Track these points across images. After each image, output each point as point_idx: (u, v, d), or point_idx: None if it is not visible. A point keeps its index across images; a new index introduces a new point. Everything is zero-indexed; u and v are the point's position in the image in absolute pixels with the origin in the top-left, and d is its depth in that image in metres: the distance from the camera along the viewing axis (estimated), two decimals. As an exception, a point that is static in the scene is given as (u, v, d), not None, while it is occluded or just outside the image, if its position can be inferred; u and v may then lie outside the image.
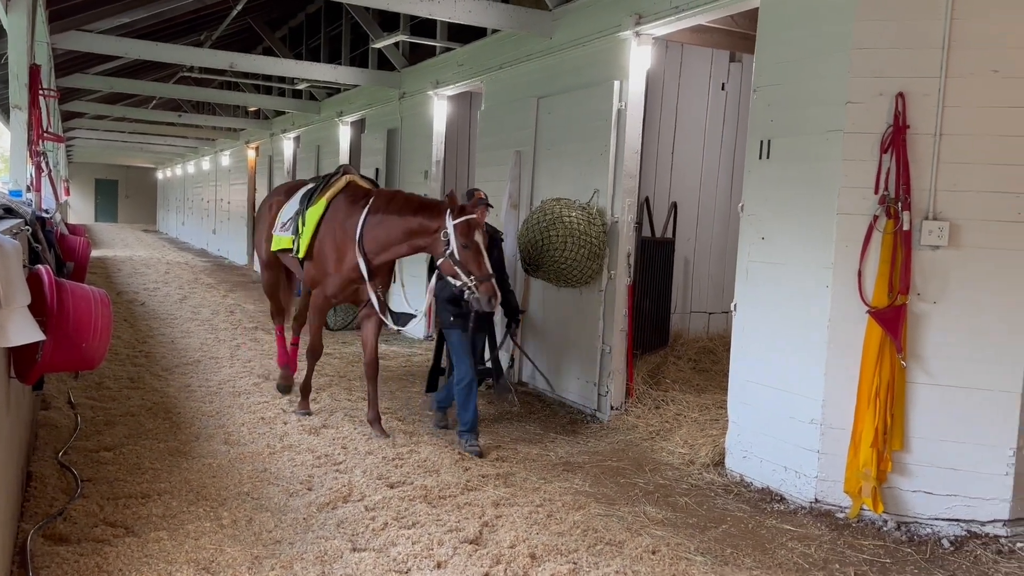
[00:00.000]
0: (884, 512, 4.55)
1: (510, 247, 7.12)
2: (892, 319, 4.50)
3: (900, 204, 4.48)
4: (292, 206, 6.43)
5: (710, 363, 7.75)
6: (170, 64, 13.09)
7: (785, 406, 4.97)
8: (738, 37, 7.13)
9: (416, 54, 10.70)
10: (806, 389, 4.83)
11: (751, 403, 5.24)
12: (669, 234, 7.77)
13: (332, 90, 13.78)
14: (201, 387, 6.99)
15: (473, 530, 4.03)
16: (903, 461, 4.58)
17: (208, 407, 6.32)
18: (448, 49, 9.61)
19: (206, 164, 26.58)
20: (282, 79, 14.43)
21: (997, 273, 4.45)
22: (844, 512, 4.65)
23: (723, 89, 8.10)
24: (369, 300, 5.77)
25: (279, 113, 17.09)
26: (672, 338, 7.95)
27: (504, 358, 7.55)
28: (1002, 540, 4.39)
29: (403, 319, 5.83)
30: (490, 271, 5.21)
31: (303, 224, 6.06)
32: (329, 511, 4.27)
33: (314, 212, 6.01)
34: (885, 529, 4.49)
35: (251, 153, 20.40)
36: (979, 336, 4.48)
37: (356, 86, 12.17)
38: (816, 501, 4.75)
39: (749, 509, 4.77)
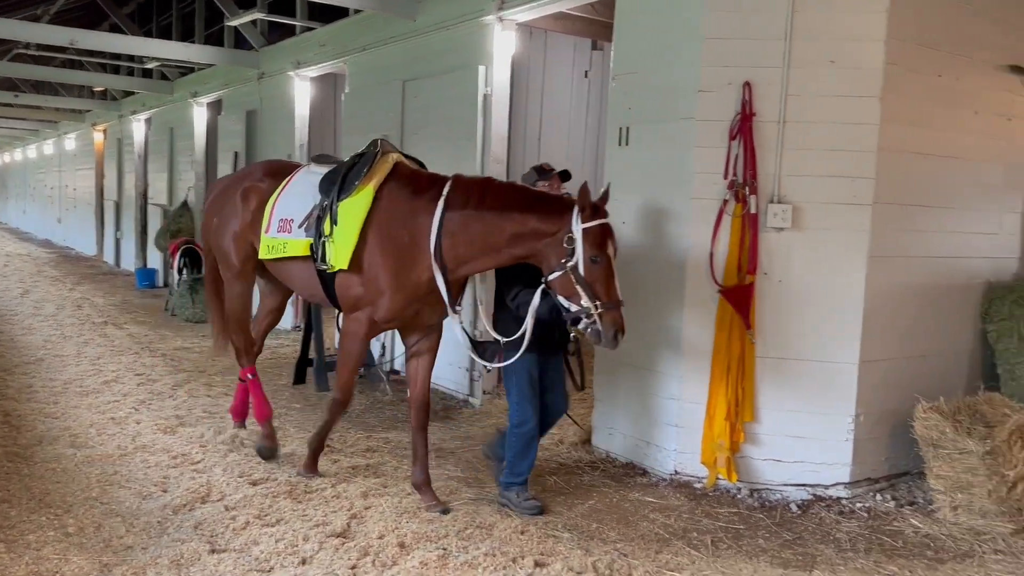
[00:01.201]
0: (738, 481, 4.80)
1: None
2: (741, 297, 4.73)
3: (747, 188, 4.71)
4: (301, 196, 4.60)
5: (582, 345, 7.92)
6: (3, 40, 12.03)
7: (647, 384, 5.15)
8: (599, 25, 7.28)
9: (276, 33, 10.31)
10: (666, 367, 5.02)
11: (616, 382, 5.39)
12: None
13: (186, 69, 13.08)
14: (44, 387, 6.51)
15: (341, 523, 3.95)
16: (754, 432, 4.85)
17: (52, 408, 5.90)
18: (309, 29, 9.31)
19: (48, 148, 24.68)
20: (131, 58, 13.56)
21: (836, 252, 4.76)
22: (701, 482, 4.88)
23: (586, 76, 8.25)
24: (431, 327, 4.49)
25: (128, 93, 16.06)
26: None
27: (375, 347, 7.44)
28: (844, 501, 4.73)
29: (489, 351, 4.41)
30: (620, 296, 3.98)
31: (336, 222, 4.32)
32: (186, 513, 4.08)
33: (357, 205, 4.27)
34: (739, 496, 4.75)
35: (98, 136, 19.08)
36: (821, 312, 4.78)
37: (211, 65, 11.60)
38: (676, 473, 4.96)
39: (614, 484, 4.92)
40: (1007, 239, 5.64)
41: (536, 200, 4.14)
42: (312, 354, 6.96)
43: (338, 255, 4.31)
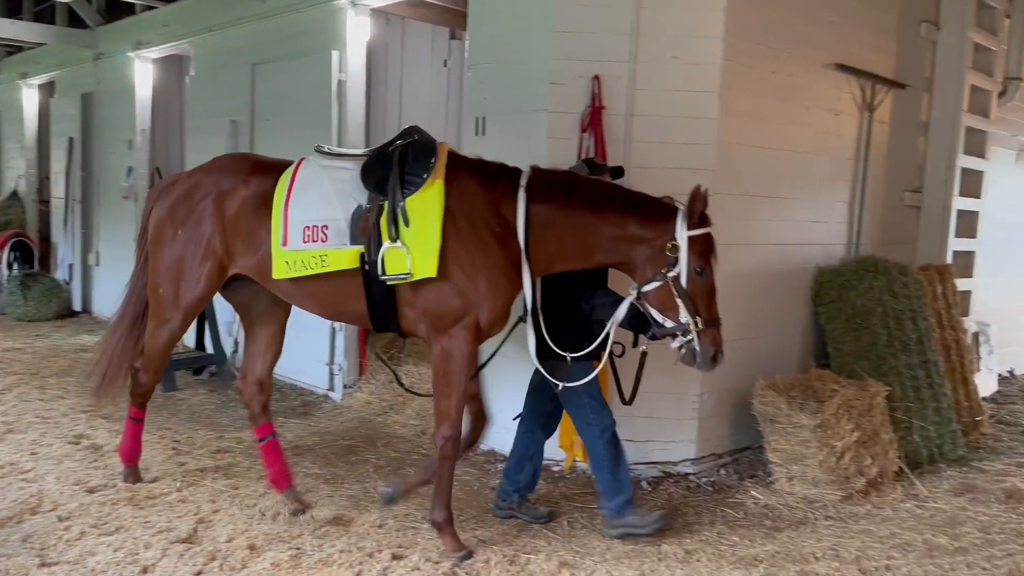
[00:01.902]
0: (594, 462, 4.95)
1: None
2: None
3: (603, 179, 4.83)
4: (327, 196, 3.77)
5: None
6: None
7: (507, 372, 5.19)
8: (456, 14, 7.24)
9: (115, 12, 9.64)
10: (526, 355, 5.07)
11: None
12: (396, 209, 7.76)
13: (13, 48, 12.01)
14: None
15: (186, 528, 3.77)
16: (609, 414, 4.99)
17: None
18: (150, 8, 8.77)
19: None
20: (-53, 32, 12.30)
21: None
22: (560, 466, 4.99)
23: (445, 66, 8.21)
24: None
25: (-54, 72, 14.60)
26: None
27: (228, 343, 7.15)
28: (691, 477, 4.97)
29: (558, 370, 3.90)
30: (719, 313, 3.64)
31: (408, 223, 3.59)
32: (13, 526, 3.77)
33: (431, 202, 3.61)
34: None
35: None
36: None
37: (42, 44, 10.72)
38: (535, 459, 5.04)
39: (476, 472, 4.95)
40: (836, 227, 6.08)
41: (635, 201, 3.71)
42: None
43: (422, 262, 3.56)
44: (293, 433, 5.56)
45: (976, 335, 7.24)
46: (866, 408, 4.92)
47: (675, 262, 3.54)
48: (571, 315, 3.87)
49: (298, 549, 3.62)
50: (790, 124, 5.45)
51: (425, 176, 3.65)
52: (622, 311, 3.69)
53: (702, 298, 3.56)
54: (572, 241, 3.67)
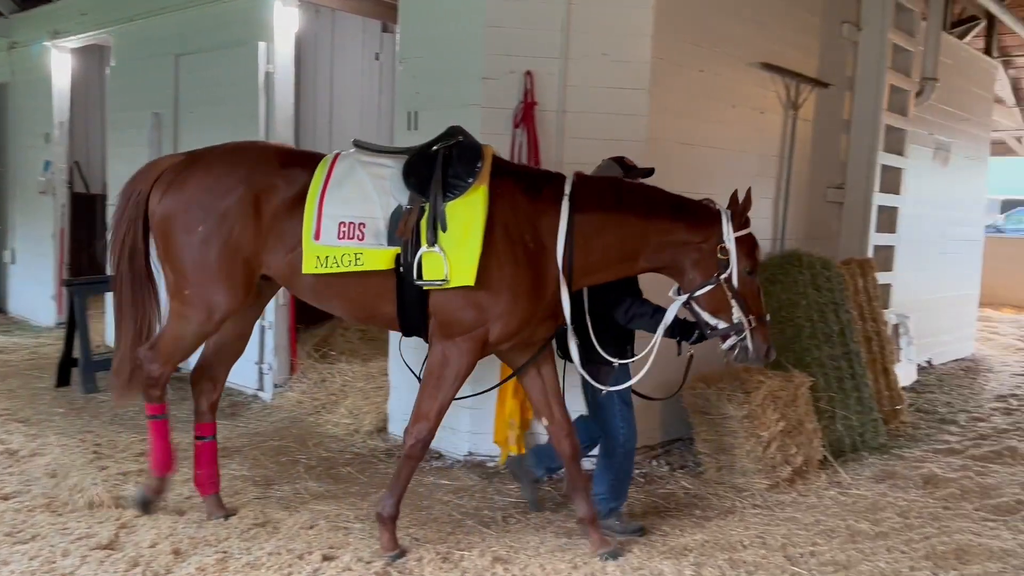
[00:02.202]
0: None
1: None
2: (529, 280, 4.87)
3: (533, 174, 4.84)
4: (366, 193, 3.61)
5: (379, 331, 7.82)
6: None
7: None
8: (387, 7, 7.16)
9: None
10: (458, 350, 5.06)
11: (411, 366, 5.35)
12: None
13: (-82, 34, 11.40)
14: None
15: (107, 535, 3.64)
16: (543, 409, 5.01)
17: None
18: (67, -5, 8.43)
19: None
20: None
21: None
22: (495, 461, 4.99)
23: (377, 59, 8.13)
24: (544, 344, 3.84)
25: None
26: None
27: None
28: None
29: (603, 374, 3.87)
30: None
31: (444, 228, 3.48)
32: (-82, 538, 3.58)
33: (474, 208, 3.49)
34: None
35: None
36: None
37: (-49, 32, 10.20)
38: (470, 454, 5.04)
39: (409, 471, 4.90)
40: (761, 223, 6.17)
41: (681, 205, 3.68)
42: (77, 353, 6.36)
43: (460, 270, 3.44)
44: (221, 434, 5.35)
45: (896, 327, 7.51)
46: (791, 399, 5.05)
47: (726, 264, 3.55)
48: (607, 323, 3.84)
49: (225, 553, 3.52)
50: (717, 122, 5.56)
51: (470, 180, 3.53)
52: (671, 316, 3.69)
53: (752, 297, 3.61)
54: (618, 249, 3.62)
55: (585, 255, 3.58)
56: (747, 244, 3.60)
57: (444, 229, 3.47)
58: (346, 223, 3.56)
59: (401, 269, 3.52)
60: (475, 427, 5.01)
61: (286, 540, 3.70)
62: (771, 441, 4.84)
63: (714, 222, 3.61)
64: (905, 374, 7.39)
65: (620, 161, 4.06)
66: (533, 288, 3.56)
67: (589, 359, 3.77)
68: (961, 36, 9.74)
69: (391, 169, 3.67)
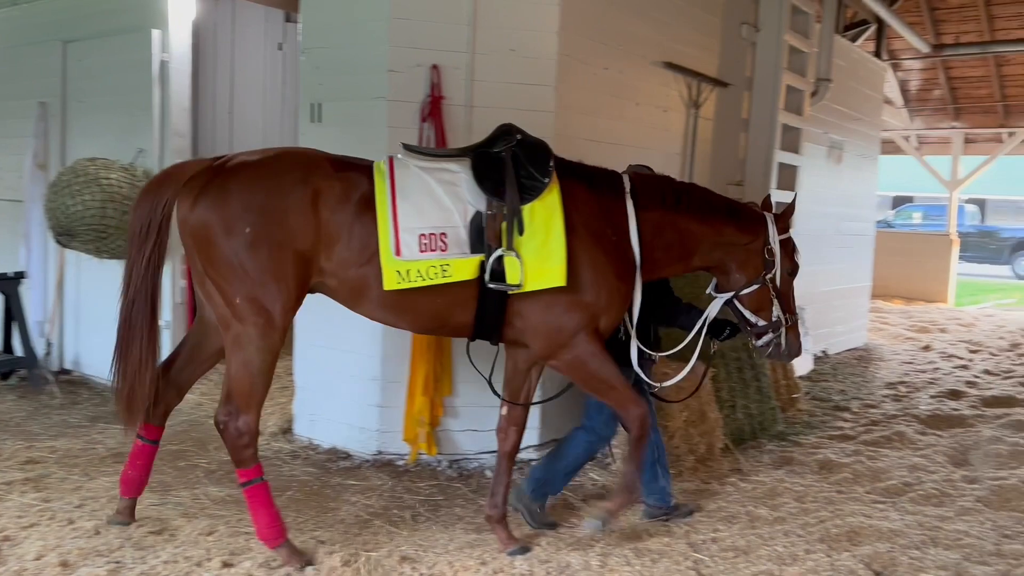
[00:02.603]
0: (439, 454, 4.94)
1: (39, 214, 6.16)
2: (437, 276, 4.83)
3: (439, 169, 4.80)
4: (439, 201, 3.46)
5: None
6: None
7: (349, 366, 5.08)
8: (290, -4, 6.99)
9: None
10: (367, 348, 4.99)
11: (317, 367, 5.26)
12: (231, 199, 7.41)
13: None
14: None
15: (-13, 548, 3.42)
16: (452, 405, 5.00)
17: None
18: (-59, -26, 7.86)
19: None
20: None
21: (521, 231, 5.03)
22: (404, 459, 4.94)
23: (281, 49, 7.89)
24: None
25: None
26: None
27: (40, 344, 6.57)
28: (533, 462, 5.04)
29: (646, 368, 3.95)
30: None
31: (521, 231, 3.43)
32: None
33: (552, 208, 3.47)
34: (440, 469, 4.88)
35: None
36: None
37: None
38: (379, 453, 4.97)
39: (316, 471, 4.81)
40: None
41: (732, 208, 3.87)
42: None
43: (548, 272, 3.41)
44: (115, 440, 5.17)
45: (793, 318, 7.80)
46: (694, 388, 5.17)
47: (771, 265, 3.78)
48: (645, 322, 3.89)
49: (117, 563, 3.36)
50: (622, 119, 5.64)
51: (546, 180, 3.51)
52: (714, 313, 3.89)
53: (789, 296, 3.84)
54: (677, 248, 3.74)
55: (651, 251, 3.66)
56: (789, 247, 3.87)
57: (521, 232, 3.43)
58: (426, 235, 3.40)
59: (486, 277, 3.43)
60: (384, 426, 4.95)
61: (184, 547, 3.56)
62: (675, 432, 4.95)
63: (761, 225, 3.83)
64: (802, 364, 7.69)
65: (645, 169, 4.13)
66: (627, 275, 3.62)
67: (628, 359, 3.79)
68: (853, 39, 10.20)
69: (460, 174, 3.55)
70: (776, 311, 3.82)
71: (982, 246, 23.28)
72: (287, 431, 5.41)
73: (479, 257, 3.44)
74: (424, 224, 3.41)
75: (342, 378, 5.11)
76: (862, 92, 9.74)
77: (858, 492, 4.61)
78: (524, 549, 3.69)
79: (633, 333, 3.72)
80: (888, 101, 14.35)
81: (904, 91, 15.77)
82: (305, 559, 3.46)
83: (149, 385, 3.52)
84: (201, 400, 5.97)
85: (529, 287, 3.42)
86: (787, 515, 4.23)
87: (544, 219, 3.46)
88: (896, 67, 14.93)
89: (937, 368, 8.65)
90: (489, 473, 4.83)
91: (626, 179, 3.75)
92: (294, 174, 3.43)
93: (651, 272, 3.72)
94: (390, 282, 3.37)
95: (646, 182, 3.80)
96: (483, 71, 4.87)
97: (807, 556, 3.63)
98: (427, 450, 4.88)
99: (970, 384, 7.73)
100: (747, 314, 3.86)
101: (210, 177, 3.42)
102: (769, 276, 3.79)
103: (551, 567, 3.52)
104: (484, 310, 3.51)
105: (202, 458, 4.93)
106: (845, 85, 8.85)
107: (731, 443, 5.35)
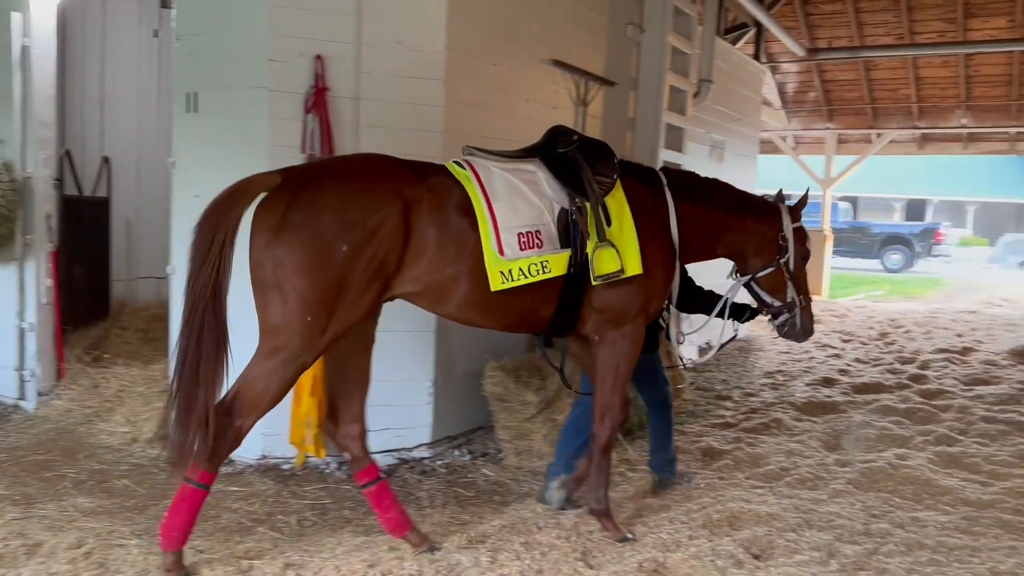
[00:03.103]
0: (327, 456, 4.81)
1: None
2: (324, 273, 4.71)
3: (325, 163, 4.68)
4: (526, 200, 3.56)
5: (162, 331, 7.25)
6: None
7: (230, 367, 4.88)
8: (166, -19, 6.67)
9: None
10: (249, 348, 4.78)
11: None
12: (103, 192, 7.01)
13: None
14: None
15: None
16: (341, 405, 4.87)
17: None
18: None
19: None
20: None
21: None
22: (290, 463, 4.79)
23: (156, 36, 7.51)
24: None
25: None
26: (115, 308, 7.24)
27: None
28: (426, 461, 5.01)
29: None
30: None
31: (609, 223, 3.66)
32: None
33: (620, 202, 3.75)
34: (328, 471, 4.76)
35: None
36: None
37: None
38: (263, 457, 4.81)
39: (196, 478, 4.59)
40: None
41: (750, 199, 4.29)
42: None
43: (632, 260, 3.70)
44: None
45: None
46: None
47: (785, 251, 4.15)
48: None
49: (-30, 586, 3.11)
50: (512, 116, 5.65)
51: (615, 176, 3.78)
52: (734, 295, 4.31)
53: (802, 280, 4.22)
54: (708, 236, 4.12)
55: (686, 241, 4.01)
56: (801, 234, 4.23)
57: (609, 224, 3.67)
58: (524, 233, 3.52)
59: (571, 270, 3.61)
60: (269, 428, 4.76)
61: (48, 563, 3.33)
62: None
63: (775, 214, 4.20)
64: (686, 355, 7.94)
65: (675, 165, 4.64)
66: (671, 262, 3.96)
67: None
68: (734, 42, 10.61)
69: (537, 173, 3.71)
70: (791, 293, 4.20)
71: (854, 241, 24.76)
72: (165, 437, 5.14)
73: (568, 252, 3.61)
74: (520, 223, 3.53)
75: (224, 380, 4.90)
76: (742, 93, 10.13)
77: (738, 478, 4.79)
78: (630, 536, 3.83)
79: (674, 313, 4.22)
80: (766, 102, 15.01)
81: (781, 93, 16.53)
82: (183, 571, 3.30)
83: (209, 426, 3.17)
84: (70, 407, 5.62)
85: (628, 274, 3.68)
86: (672, 502, 4.34)
87: (616, 213, 3.73)
88: (774, 70, 15.64)
89: (812, 357, 9.11)
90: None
91: (662, 175, 4.07)
92: (385, 187, 3.37)
93: (685, 259, 4.07)
94: (496, 283, 3.44)
95: (678, 177, 4.16)
96: (370, 63, 4.78)
97: (690, 542, 3.73)
98: (315, 453, 4.75)
99: (842, 372, 8.18)
100: (764, 296, 4.25)
101: (295, 193, 3.26)
102: (783, 260, 4.17)
103: (440, 566, 3.48)
104: (565, 303, 3.68)
105: (70, 468, 4.64)
106: (726, 86, 9.18)
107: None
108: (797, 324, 4.26)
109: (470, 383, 5.26)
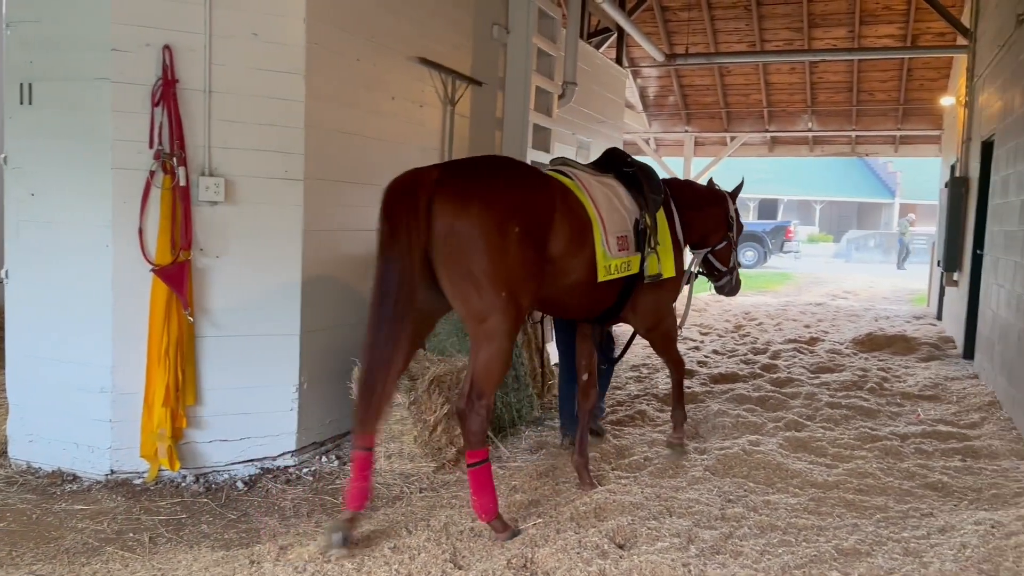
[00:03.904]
0: (182, 468, 4.57)
1: None
2: (176, 276, 4.47)
3: (176, 160, 4.44)
4: (617, 208, 4.35)
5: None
6: None
7: (73, 379, 4.56)
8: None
9: None
10: (94, 357, 4.50)
11: (35, 381, 4.66)
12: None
13: None
14: None
15: None
16: (198, 415, 4.65)
17: None
18: None
19: None
20: None
21: (272, 227, 4.79)
22: (142, 478, 4.52)
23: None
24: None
25: None
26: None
27: None
28: (291, 470, 4.84)
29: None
30: None
31: (654, 233, 4.59)
32: None
33: (662, 217, 4.76)
34: (184, 485, 4.52)
35: None
36: (260, 286, 4.78)
37: None
38: (112, 473, 4.51)
39: (36, 498, 4.26)
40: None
41: (711, 192, 5.53)
42: None
43: (669, 265, 4.69)
44: None
45: (549, 309, 8.17)
46: (455, 382, 5.23)
47: (731, 227, 5.47)
48: None
49: None
50: (378, 113, 5.56)
51: (661, 196, 4.73)
52: (696, 263, 5.55)
53: (735, 249, 5.61)
54: (693, 232, 5.24)
55: (688, 238, 5.22)
56: (738, 213, 5.59)
57: (655, 233, 4.56)
58: (619, 236, 4.28)
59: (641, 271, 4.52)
60: (118, 442, 4.49)
61: None
62: (437, 425, 4.98)
63: (724, 200, 5.47)
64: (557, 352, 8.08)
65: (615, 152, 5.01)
66: (683, 259, 5.06)
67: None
68: (597, 46, 10.86)
69: (618, 188, 4.51)
70: (734, 259, 5.54)
71: (712, 239, 25.98)
72: (1, 454, 4.75)
73: (639, 255, 4.45)
74: (616, 228, 4.26)
75: (66, 392, 4.57)
76: (606, 96, 10.40)
77: (605, 469, 4.91)
78: (598, 484, 4.56)
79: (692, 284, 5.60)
80: (629, 105, 15.51)
81: (643, 97, 17.14)
82: (512, 531, 3.83)
83: (389, 395, 3.67)
84: None
85: (665, 276, 4.65)
86: (541, 497, 4.40)
87: (661, 224, 4.68)
88: (635, 74, 16.19)
89: (675, 350, 9.46)
90: (241, 484, 4.57)
91: (665, 185, 4.91)
92: (536, 179, 3.95)
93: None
94: (602, 275, 4.17)
95: (671, 186, 5.13)
96: (223, 55, 4.56)
97: (558, 536, 3.79)
98: (169, 466, 4.49)
99: (701, 364, 8.55)
100: (718, 264, 5.52)
101: (468, 182, 3.71)
102: (732, 235, 5.48)
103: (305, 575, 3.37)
104: (622, 297, 4.52)
105: None
106: (590, 89, 9.40)
107: (491, 432, 5.48)
108: (733, 283, 5.60)
109: (339, 386, 5.14)
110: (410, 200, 3.57)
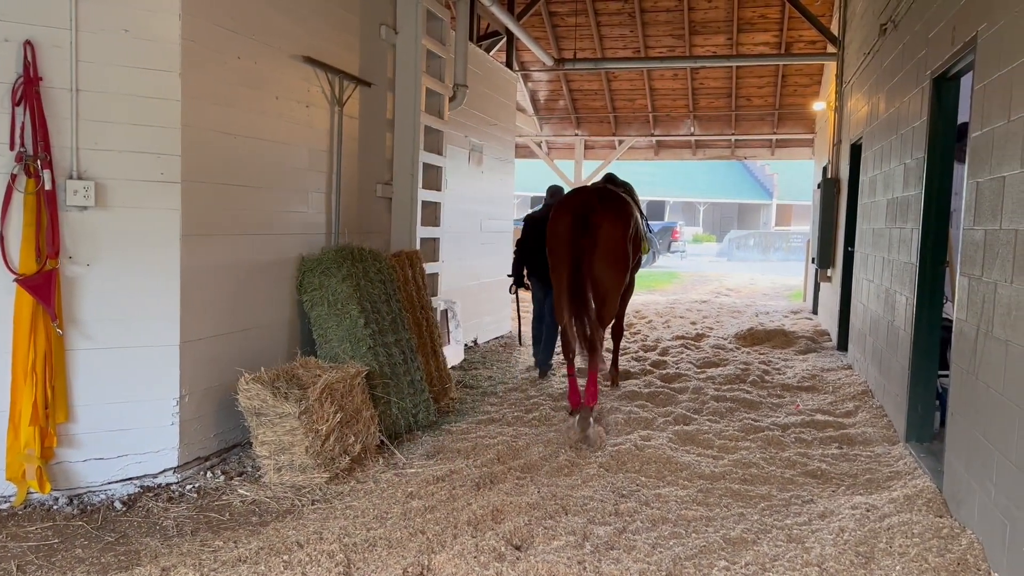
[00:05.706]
0: (54, 490, 4.28)
1: None
2: (43, 286, 4.19)
3: (40, 162, 4.16)
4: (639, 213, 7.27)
5: None
6: None
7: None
8: None
9: None
10: None
11: None
12: None
13: None
14: None
15: None
16: (70, 433, 4.37)
17: None
18: None
19: None
20: None
21: (147, 232, 4.55)
22: (9, 501, 4.20)
23: None
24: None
25: None
26: None
27: None
28: (173, 487, 4.61)
29: None
30: None
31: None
32: None
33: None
34: (56, 507, 4.23)
35: None
36: (135, 295, 4.53)
37: None
38: (-27, 500, 4.17)
39: None
40: (315, 216, 6.21)
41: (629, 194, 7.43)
42: None
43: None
44: None
45: (445, 312, 8.15)
46: (348, 389, 5.13)
47: (645, 219, 7.80)
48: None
49: None
50: (261, 113, 5.38)
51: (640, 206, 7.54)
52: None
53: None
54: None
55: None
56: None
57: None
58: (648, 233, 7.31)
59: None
60: (-21, 465, 4.16)
61: None
62: (329, 434, 4.85)
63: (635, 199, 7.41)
64: (454, 354, 8.06)
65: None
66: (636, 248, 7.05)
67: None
68: (487, 49, 10.91)
69: (630, 199, 6.95)
70: (647, 245, 7.43)
71: (604, 240, 26.53)
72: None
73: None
74: (645, 227, 7.36)
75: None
76: (497, 99, 10.45)
77: (501, 471, 4.91)
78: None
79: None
80: (521, 109, 15.65)
81: (534, 101, 17.33)
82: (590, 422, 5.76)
83: (596, 327, 5.89)
84: None
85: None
86: (438, 503, 4.35)
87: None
88: (526, 78, 16.35)
89: (569, 350, 9.60)
90: (119, 504, 4.32)
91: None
92: (630, 205, 6.67)
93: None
94: (645, 253, 7.13)
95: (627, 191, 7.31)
96: (92, 51, 4.31)
97: (455, 541, 3.76)
98: (39, 488, 4.20)
99: (595, 362, 8.69)
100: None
101: (614, 202, 6.36)
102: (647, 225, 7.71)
103: (190, 598, 3.21)
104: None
105: None
106: (481, 92, 9.42)
107: (387, 439, 5.40)
108: (642, 265, 7.37)
109: (224, 398, 4.94)
110: (582, 212, 5.97)
